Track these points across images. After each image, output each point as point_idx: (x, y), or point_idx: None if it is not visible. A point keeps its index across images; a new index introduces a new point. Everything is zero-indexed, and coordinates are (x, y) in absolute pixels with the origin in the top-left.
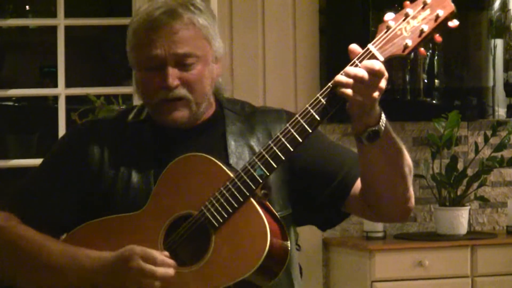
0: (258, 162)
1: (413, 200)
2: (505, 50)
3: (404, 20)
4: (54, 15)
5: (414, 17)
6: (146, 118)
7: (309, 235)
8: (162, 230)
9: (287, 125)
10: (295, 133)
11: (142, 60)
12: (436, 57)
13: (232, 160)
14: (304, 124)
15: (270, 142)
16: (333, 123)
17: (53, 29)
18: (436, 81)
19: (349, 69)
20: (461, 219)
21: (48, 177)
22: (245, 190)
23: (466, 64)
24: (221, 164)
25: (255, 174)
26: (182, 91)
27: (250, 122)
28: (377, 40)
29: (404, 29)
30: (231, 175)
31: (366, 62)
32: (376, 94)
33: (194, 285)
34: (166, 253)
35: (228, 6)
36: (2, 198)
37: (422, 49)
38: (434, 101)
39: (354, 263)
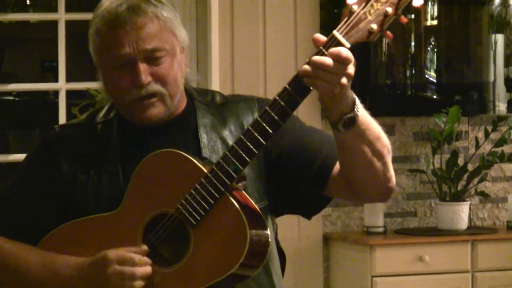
0: (232, 157)
1: (393, 180)
2: (506, 45)
3: (367, 3)
4: (55, 9)
5: (377, 0)
6: (115, 116)
7: (309, 231)
8: (139, 229)
9: (258, 117)
10: (266, 126)
11: (109, 60)
12: (436, 52)
13: (205, 154)
14: (274, 115)
15: (241, 135)
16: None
17: (54, 24)
18: (436, 76)
19: (314, 58)
20: (461, 214)
21: (22, 188)
22: (220, 186)
23: (466, 59)
24: (194, 160)
25: (229, 169)
26: (155, 87)
27: (222, 114)
28: (342, 26)
29: (368, 12)
30: (205, 171)
31: (333, 49)
32: (344, 80)
33: (176, 285)
34: (145, 247)
35: (229, 1)
36: None
37: (388, 32)
38: (434, 96)
39: (355, 258)
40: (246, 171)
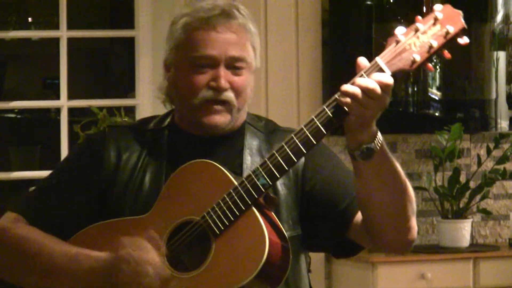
0: (262, 171)
1: (414, 232)
2: (508, 62)
3: (413, 35)
4: (56, 26)
5: (424, 32)
6: (168, 125)
7: None
8: (165, 234)
9: (292, 134)
10: (299, 143)
11: (191, 57)
12: (438, 70)
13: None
14: (308, 134)
15: (274, 151)
16: (335, 135)
17: (56, 41)
18: (438, 93)
19: (359, 80)
20: (463, 231)
21: (61, 181)
22: (247, 199)
23: (468, 76)
24: (226, 172)
25: (258, 182)
26: (230, 95)
27: (270, 141)
28: (386, 53)
29: (413, 44)
30: (235, 183)
31: (376, 75)
32: (379, 108)
33: None
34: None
35: None
36: (15, 201)
37: (429, 64)
38: (436, 114)
39: (357, 275)
40: (284, 197)
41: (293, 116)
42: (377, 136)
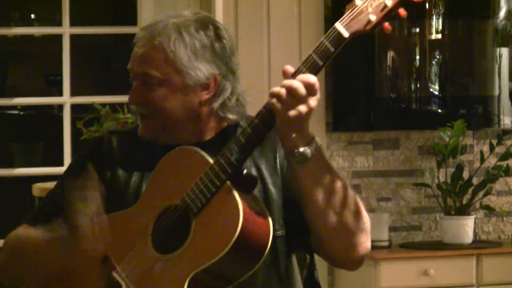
0: (235, 147)
1: (361, 249)
2: (511, 58)
3: None
4: (59, 23)
5: None
6: None
7: None
8: (151, 222)
9: (247, 126)
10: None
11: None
12: (441, 66)
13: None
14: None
15: (246, 127)
16: (338, 132)
17: (59, 38)
18: (441, 89)
19: (285, 80)
20: (466, 228)
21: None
22: (222, 175)
23: (471, 72)
24: (203, 153)
25: (231, 158)
26: (141, 109)
27: (263, 145)
28: (344, 17)
29: (369, 5)
30: (211, 162)
31: (303, 76)
32: (305, 109)
33: (169, 271)
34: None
35: (234, 16)
36: (26, 213)
37: (386, 23)
38: (439, 110)
39: (359, 272)
40: (275, 197)
41: None
42: (313, 142)
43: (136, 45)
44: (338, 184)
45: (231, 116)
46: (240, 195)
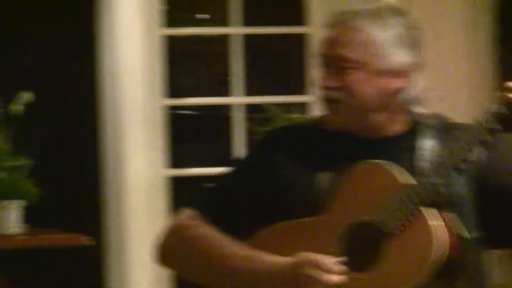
0: (436, 175)
1: None
2: None
3: None
4: (231, 23)
5: None
6: (330, 127)
7: None
8: (338, 235)
9: (465, 143)
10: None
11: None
12: None
13: (418, 176)
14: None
15: (447, 155)
16: None
17: (230, 38)
18: None
19: None
20: None
21: (237, 181)
22: (420, 201)
23: None
24: (398, 173)
25: (434, 186)
26: (335, 94)
27: (444, 139)
28: None
29: None
30: (410, 184)
31: None
32: None
33: None
34: (337, 259)
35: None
36: (194, 198)
37: None
38: None
39: None
40: (462, 197)
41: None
42: None
43: (330, 29)
44: None
45: (421, 111)
46: (434, 221)
